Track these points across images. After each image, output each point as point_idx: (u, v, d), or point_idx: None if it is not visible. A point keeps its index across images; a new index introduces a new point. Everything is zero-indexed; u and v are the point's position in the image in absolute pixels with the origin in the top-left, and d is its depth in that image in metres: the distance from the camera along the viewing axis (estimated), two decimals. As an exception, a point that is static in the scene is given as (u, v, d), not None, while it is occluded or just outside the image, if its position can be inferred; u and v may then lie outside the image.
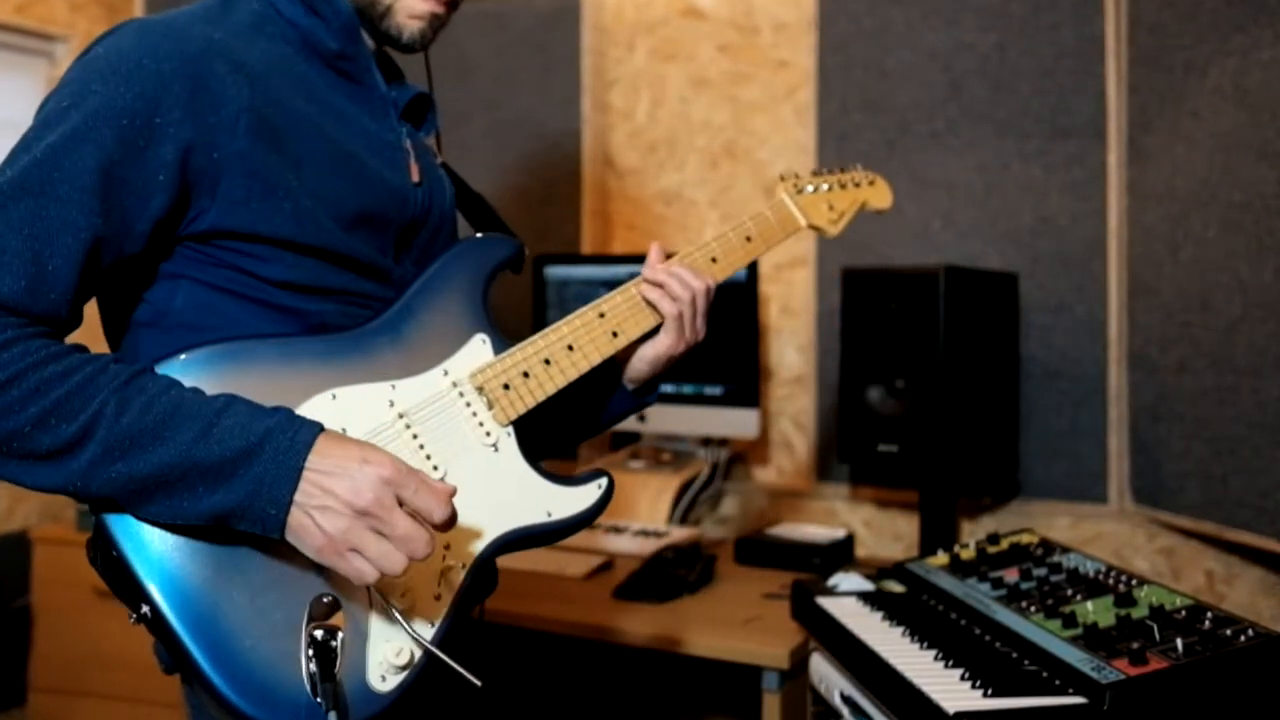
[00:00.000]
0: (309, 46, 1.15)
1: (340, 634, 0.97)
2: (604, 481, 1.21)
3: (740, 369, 2.42)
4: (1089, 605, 1.41)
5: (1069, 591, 1.47)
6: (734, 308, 2.41)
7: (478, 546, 1.12)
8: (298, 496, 0.95)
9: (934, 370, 2.08)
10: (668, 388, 2.48)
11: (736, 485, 2.60)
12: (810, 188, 1.50)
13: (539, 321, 2.56)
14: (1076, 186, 2.28)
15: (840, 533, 2.28)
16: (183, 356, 1.02)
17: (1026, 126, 2.32)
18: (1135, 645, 1.24)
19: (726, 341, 2.42)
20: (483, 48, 2.85)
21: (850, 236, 2.49)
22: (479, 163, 2.83)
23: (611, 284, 2.46)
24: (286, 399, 1.03)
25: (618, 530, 2.34)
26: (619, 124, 2.81)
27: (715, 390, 2.45)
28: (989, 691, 1.24)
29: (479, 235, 1.27)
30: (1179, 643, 1.24)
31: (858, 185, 1.58)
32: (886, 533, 2.49)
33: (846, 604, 1.62)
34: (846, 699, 1.54)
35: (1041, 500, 2.32)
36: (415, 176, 1.21)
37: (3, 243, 0.93)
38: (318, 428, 0.98)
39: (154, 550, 0.97)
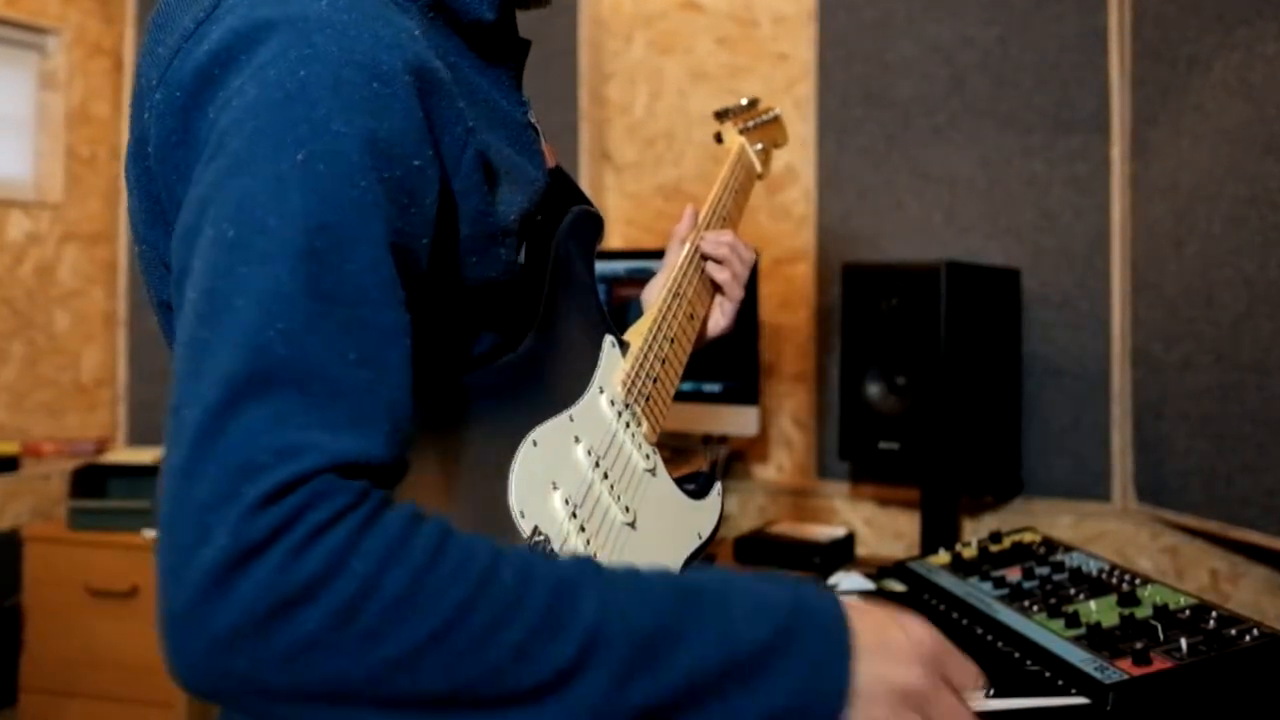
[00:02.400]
0: (442, 9, 0.85)
1: None
2: (719, 486, 1.08)
3: (739, 366, 2.40)
4: (1092, 605, 1.40)
5: (1072, 591, 1.46)
6: (733, 304, 2.39)
7: None
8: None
9: (935, 367, 2.06)
10: (666, 384, 2.46)
11: (736, 483, 2.59)
12: (750, 124, 1.38)
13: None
14: (1079, 181, 2.26)
15: (840, 531, 2.27)
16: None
17: (1029, 120, 2.31)
18: (1139, 645, 1.23)
19: (726, 339, 2.40)
20: (480, 41, 2.83)
21: (851, 231, 2.49)
22: (476, 157, 2.82)
23: (609, 280, 2.47)
24: (498, 455, 0.83)
25: (615, 528, 2.31)
26: (616, 117, 2.79)
27: (714, 387, 2.43)
28: (991, 692, 1.23)
29: (572, 214, 1.05)
30: (1183, 643, 1.23)
31: (768, 121, 1.46)
32: (887, 531, 2.48)
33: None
34: (846, 699, 1.51)
35: (1044, 498, 2.30)
36: (551, 160, 1.00)
37: (337, 387, 0.62)
38: (822, 587, 0.76)
39: None
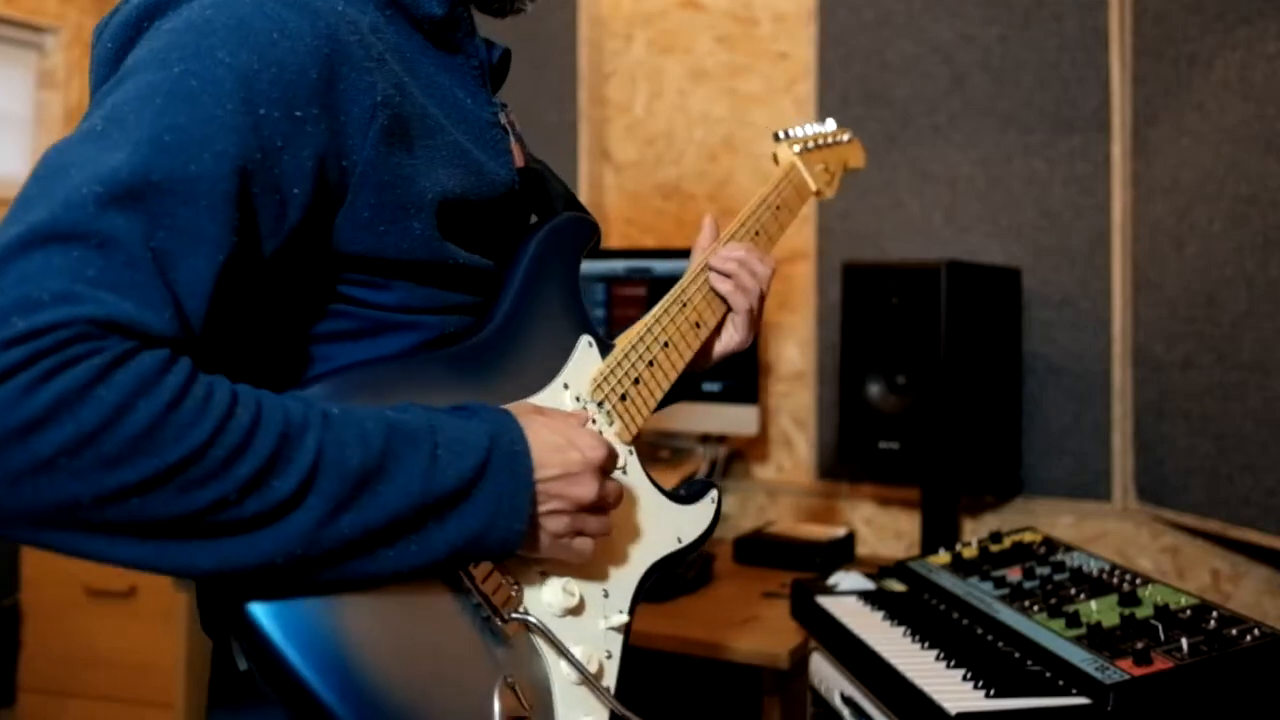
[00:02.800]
0: (396, 7, 0.92)
1: None
2: (715, 494, 1.11)
3: (739, 365, 2.39)
4: (1093, 604, 1.40)
5: (1072, 591, 1.46)
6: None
7: (631, 588, 1.00)
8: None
9: (936, 366, 2.06)
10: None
11: (735, 483, 2.58)
12: (810, 145, 1.40)
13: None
14: (1080, 180, 2.26)
15: (840, 531, 2.27)
16: (318, 387, 0.83)
17: (1029, 119, 2.30)
18: (1140, 645, 1.24)
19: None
20: (479, 40, 2.82)
21: (851, 230, 2.48)
22: (475, 157, 2.82)
23: (609, 279, 2.47)
24: None
25: (615, 528, 2.31)
26: (616, 117, 2.79)
27: (714, 386, 2.43)
28: (991, 692, 1.24)
29: (561, 217, 1.08)
30: (1184, 642, 1.23)
31: (839, 143, 1.48)
32: (887, 531, 2.47)
33: (847, 603, 1.61)
34: (847, 699, 1.52)
35: (1044, 498, 2.30)
36: (520, 160, 1.03)
37: (130, 257, 0.68)
38: (515, 417, 0.86)
39: (330, 656, 0.76)
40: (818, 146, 1.42)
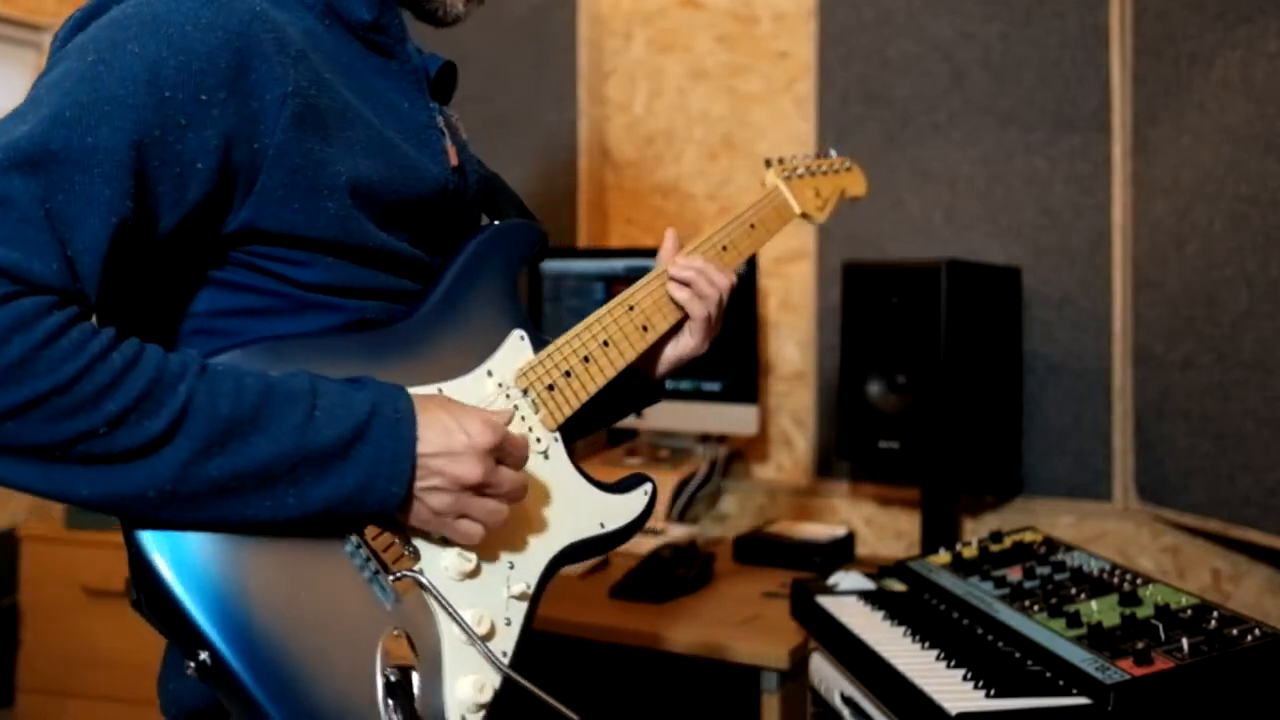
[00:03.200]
0: (333, 15, 1.02)
1: (415, 674, 0.91)
2: (649, 487, 1.16)
3: (739, 364, 2.39)
4: (1093, 604, 1.40)
5: (1073, 590, 1.46)
6: (732, 302, 2.37)
7: (541, 563, 1.05)
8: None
9: (936, 366, 2.05)
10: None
11: (735, 483, 2.58)
12: (800, 172, 1.46)
13: (535, 316, 2.54)
14: (1081, 179, 2.26)
15: (840, 531, 2.26)
16: (223, 358, 0.89)
17: (1030, 118, 2.30)
18: (1140, 645, 1.23)
19: (725, 336, 2.38)
20: (476, 38, 2.82)
21: (851, 230, 2.48)
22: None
23: (609, 278, 2.47)
24: None
25: (614, 528, 2.31)
26: (616, 116, 2.79)
27: (714, 386, 2.42)
28: (991, 692, 1.24)
29: (506, 222, 1.18)
30: (1185, 642, 1.23)
31: (837, 171, 1.54)
32: (887, 531, 2.47)
33: (847, 603, 1.61)
34: (847, 699, 1.52)
35: (1045, 498, 2.30)
36: (454, 160, 1.11)
37: (26, 215, 0.77)
38: (406, 392, 0.93)
39: (210, 587, 0.84)
40: (810, 173, 1.48)
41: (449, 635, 0.95)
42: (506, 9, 2.79)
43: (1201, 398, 1.99)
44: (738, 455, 2.59)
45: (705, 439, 2.53)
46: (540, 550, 1.05)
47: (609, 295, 2.49)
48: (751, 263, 2.37)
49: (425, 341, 1.04)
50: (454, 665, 0.95)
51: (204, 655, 0.83)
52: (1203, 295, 1.98)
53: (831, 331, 2.44)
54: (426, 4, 1.13)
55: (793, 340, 2.58)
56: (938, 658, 1.36)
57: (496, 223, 1.18)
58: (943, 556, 1.69)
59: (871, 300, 2.14)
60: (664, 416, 2.47)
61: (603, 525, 1.12)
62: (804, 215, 1.44)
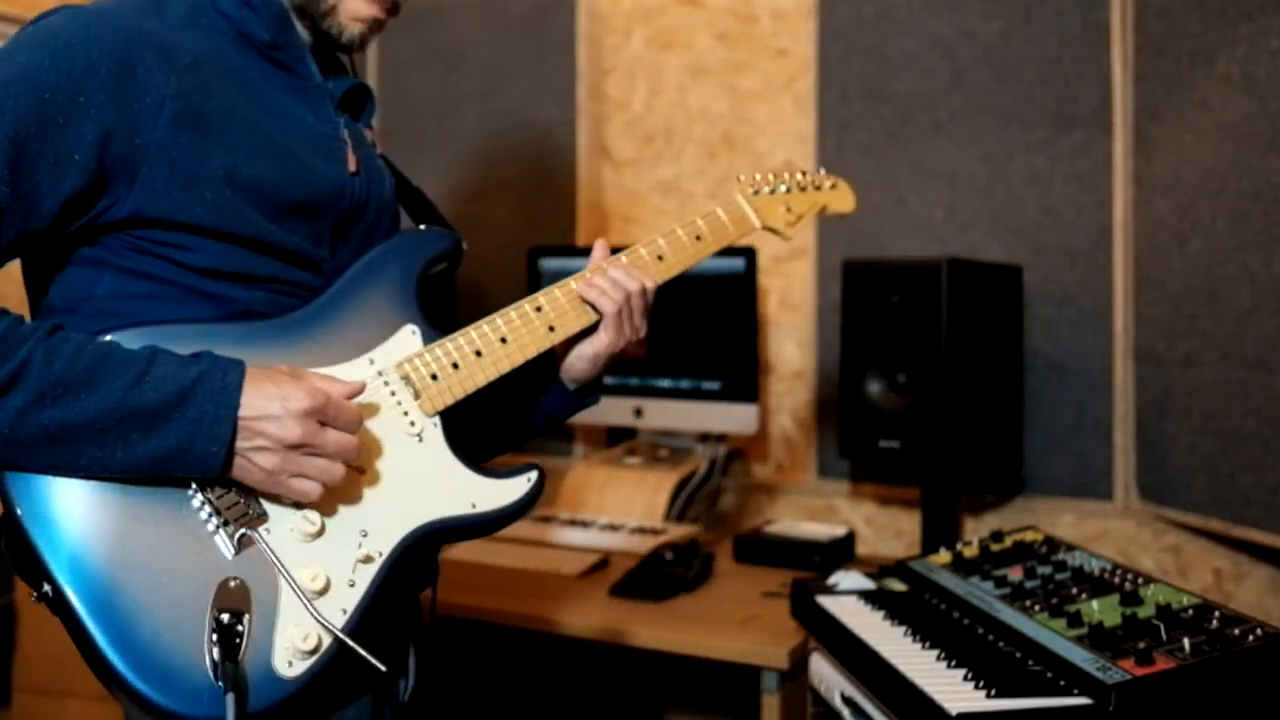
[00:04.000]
0: (243, 38, 1.16)
1: (246, 617, 0.99)
2: (534, 475, 1.21)
3: (739, 363, 2.39)
4: (1094, 604, 1.39)
5: (1074, 590, 1.45)
6: (732, 301, 2.38)
7: (397, 535, 1.11)
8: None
9: (936, 364, 2.05)
10: (664, 382, 2.46)
11: (735, 482, 2.57)
12: (768, 189, 1.50)
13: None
14: (1082, 177, 2.25)
15: (841, 530, 2.26)
16: (110, 337, 1.02)
17: (1031, 116, 2.29)
18: (1141, 645, 1.23)
19: (724, 335, 2.39)
20: (475, 36, 2.82)
21: (851, 228, 2.47)
22: (471, 153, 2.81)
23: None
24: None
25: (614, 528, 2.31)
26: (615, 113, 2.78)
27: (713, 385, 2.42)
28: (992, 692, 1.23)
29: (414, 228, 1.30)
30: (1186, 642, 1.23)
31: (818, 188, 1.57)
32: (888, 530, 2.46)
33: (847, 603, 1.61)
34: (847, 700, 1.52)
35: (1046, 497, 2.29)
36: (352, 166, 1.22)
37: None
38: (242, 365, 1.02)
39: (57, 525, 0.97)
40: (784, 190, 1.51)
41: (286, 588, 1.03)
42: (506, 6, 2.78)
43: (1203, 396, 1.98)
44: (737, 454, 2.59)
45: (705, 438, 2.52)
46: (398, 522, 1.11)
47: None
48: (751, 261, 2.37)
49: (310, 332, 1.14)
50: (287, 615, 1.02)
51: (46, 587, 0.96)
52: (1204, 293, 1.97)
53: (831, 330, 2.43)
54: (322, 27, 1.22)
55: (793, 339, 2.57)
56: (938, 658, 1.36)
57: (408, 229, 1.29)
58: (943, 556, 1.68)
59: (872, 299, 2.14)
60: (663, 416, 2.47)
61: (474, 506, 1.16)
62: (769, 228, 1.49)
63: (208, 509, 1.02)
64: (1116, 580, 1.46)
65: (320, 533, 1.06)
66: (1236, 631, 1.24)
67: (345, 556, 1.07)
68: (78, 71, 1.01)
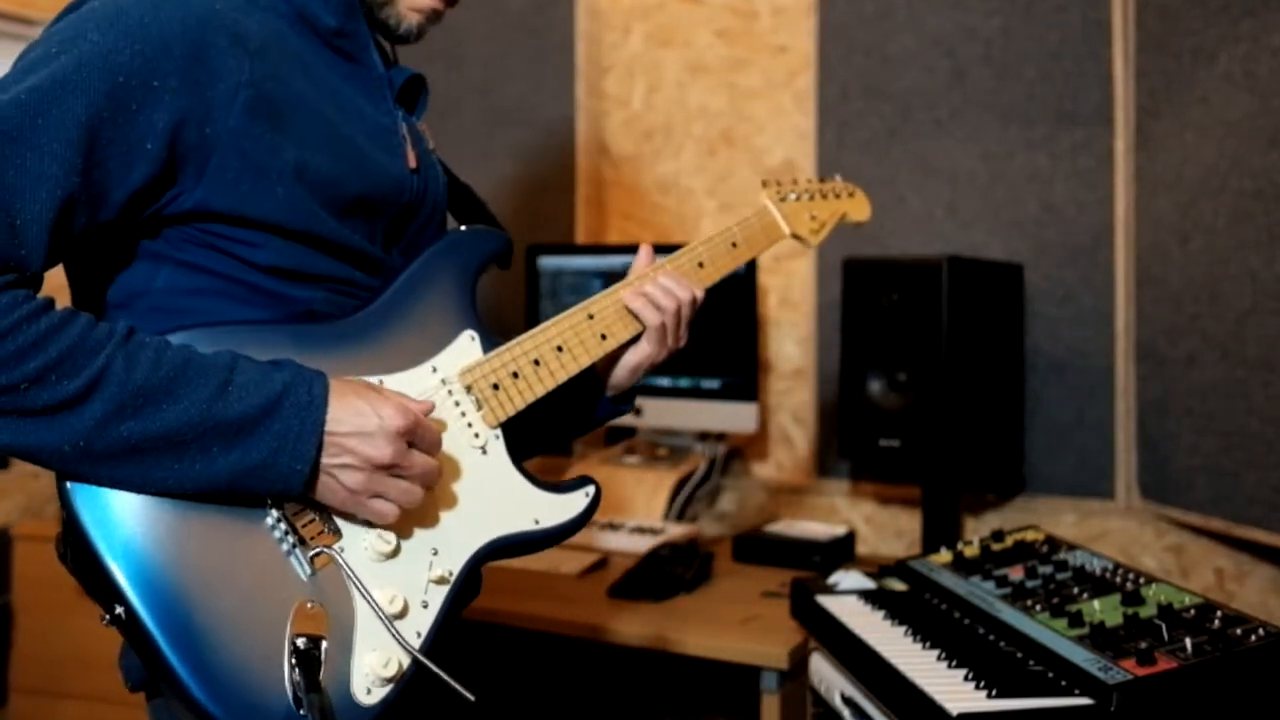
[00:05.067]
0: (303, 21, 1.11)
1: (325, 642, 0.95)
2: (591, 490, 1.19)
3: (738, 362, 2.38)
4: (1095, 604, 1.39)
5: (1075, 590, 1.45)
6: (732, 300, 2.37)
7: (466, 552, 1.09)
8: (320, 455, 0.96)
9: (937, 363, 2.04)
10: (664, 381, 2.45)
11: (734, 481, 2.56)
12: (794, 195, 1.49)
13: (532, 313, 2.52)
14: (1083, 175, 2.24)
15: (841, 530, 2.25)
16: (169, 338, 0.97)
17: (1032, 113, 2.28)
18: (1143, 645, 1.23)
19: (724, 334, 2.38)
20: (474, 33, 2.81)
21: (850, 226, 2.45)
22: (470, 151, 2.80)
23: (607, 275, 2.45)
24: None
25: (613, 527, 2.30)
26: (614, 111, 2.77)
27: (713, 384, 2.41)
28: (993, 692, 1.23)
29: (468, 227, 1.25)
30: (1188, 642, 1.22)
31: (838, 196, 1.57)
32: (888, 529, 2.45)
33: (847, 603, 1.60)
34: (847, 700, 1.51)
35: (1047, 496, 2.28)
36: (412, 163, 1.18)
37: None
38: (325, 377, 0.98)
39: (129, 545, 0.91)
40: (809, 196, 1.51)
41: (363, 610, 0.99)
42: (505, 3, 2.78)
43: (1205, 395, 1.97)
44: (737, 453, 2.58)
45: (704, 437, 2.51)
46: (467, 539, 1.09)
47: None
48: (751, 260, 2.35)
49: (371, 337, 1.10)
50: (365, 639, 0.99)
51: (119, 609, 0.90)
52: (1206, 292, 1.96)
53: (831, 328, 2.43)
54: (379, 15, 1.18)
55: (792, 337, 2.56)
56: (939, 658, 1.35)
57: (461, 228, 1.24)
58: (944, 556, 1.68)
59: (872, 297, 2.13)
60: (662, 414, 2.46)
61: (537, 522, 1.14)
62: (795, 236, 1.48)
63: (283, 526, 0.98)
64: (1118, 580, 1.46)
65: (395, 553, 1.03)
66: (1238, 631, 1.24)
67: (418, 576, 1.04)
68: (151, 53, 0.94)
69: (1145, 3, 2.13)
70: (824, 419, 2.50)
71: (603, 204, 2.78)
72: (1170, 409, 2.07)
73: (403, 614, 1.02)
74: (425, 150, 1.23)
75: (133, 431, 0.89)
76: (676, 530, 2.28)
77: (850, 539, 2.25)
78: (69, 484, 0.92)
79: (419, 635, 1.03)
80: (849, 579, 1.70)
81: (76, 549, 0.93)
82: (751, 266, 2.36)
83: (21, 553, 2.70)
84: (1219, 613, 1.29)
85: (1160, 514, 2.15)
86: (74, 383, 0.87)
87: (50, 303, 0.90)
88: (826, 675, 1.58)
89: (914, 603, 1.57)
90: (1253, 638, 1.22)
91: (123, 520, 0.92)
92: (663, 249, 2.45)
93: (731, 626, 1.81)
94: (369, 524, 1.02)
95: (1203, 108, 1.98)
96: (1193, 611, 1.31)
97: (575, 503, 1.18)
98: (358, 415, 0.97)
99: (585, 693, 2.55)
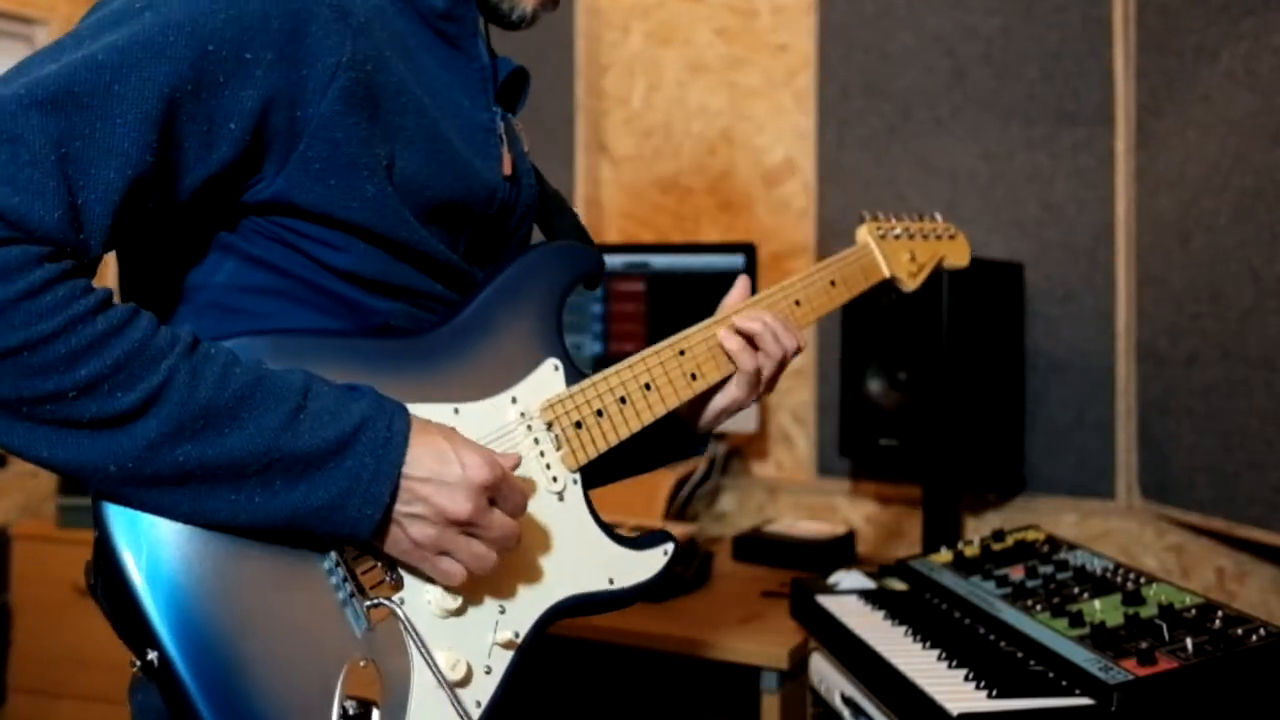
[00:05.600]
0: (411, 1, 0.99)
1: (376, 711, 0.85)
2: (670, 547, 1.09)
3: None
4: (1096, 604, 1.39)
5: (1076, 590, 1.45)
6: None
7: (535, 612, 0.97)
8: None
9: (937, 362, 2.04)
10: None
11: (734, 480, 2.56)
12: (896, 233, 1.39)
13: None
14: (1084, 174, 2.24)
15: (841, 529, 2.25)
16: (230, 344, 0.84)
17: (1032, 112, 2.28)
18: (1144, 645, 1.22)
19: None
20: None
21: (851, 224, 2.45)
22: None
23: (607, 274, 2.43)
24: None
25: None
26: (614, 110, 2.77)
27: (712, 383, 2.40)
28: (994, 692, 1.22)
29: (560, 243, 1.11)
30: (1189, 642, 1.22)
31: (939, 237, 1.46)
32: (888, 529, 2.45)
33: (847, 602, 1.60)
34: (847, 700, 1.50)
35: (1047, 496, 2.28)
36: (507, 169, 1.05)
37: (35, 157, 0.73)
38: (406, 412, 0.87)
39: (170, 581, 0.79)
40: (909, 235, 1.40)
41: (419, 674, 0.89)
42: (504, 2, 2.77)
43: (1206, 395, 1.97)
44: (737, 453, 2.58)
45: (704, 436, 2.50)
46: (537, 598, 0.98)
47: (607, 291, 2.48)
48: (751, 258, 2.35)
49: (449, 356, 0.97)
50: (420, 707, 0.88)
51: (152, 655, 0.79)
52: (1207, 291, 1.96)
53: (832, 327, 2.42)
54: (494, 3, 1.08)
55: (792, 337, 2.55)
56: (939, 658, 1.35)
57: (552, 242, 1.11)
58: (944, 555, 1.68)
59: (872, 296, 2.12)
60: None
61: (611, 581, 1.04)
62: (894, 279, 1.37)
63: (341, 572, 0.87)
64: (1119, 580, 1.45)
65: (460, 610, 0.92)
66: (1239, 631, 1.24)
67: (482, 638, 0.93)
68: (247, 21, 0.82)
69: (1146, 1, 2.13)
70: (824, 418, 2.49)
71: (602, 203, 2.78)
72: (1171, 409, 2.07)
73: (465, 681, 0.91)
74: (521, 154, 1.11)
75: (189, 457, 0.78)
76: (676, 530, 2.27)
77: (850, 539, 2.24)
78: (106, 505, 0.80)
79: (479, 705, 0.91)
80: (849, 579, 1.70)
81: (110, 583, 0.81)
82: (752, 265, 2.35)
83: (19, 552, 2.70)
84: (1220, 613, 1.29)
85: (1161, 514, 2.15)
86: (129, 396, 0.76)
87: (109, 298, 0.78)
88: (826, 675, 1.58)
89: (914, 602, 1.57)
90: (1254, 638, 1.22)
91: (164, 553, 0.80)
92: (666, 248, 2.47)
93: (731, 626, 1.80)
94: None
95: (1204, 106, 1.98)
96: (1193, 611, 1.31)
97: (653, 561, 1.07)
98: (439, 460, 0.86)
99: (585, 693, 2.54)
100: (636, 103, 2.74)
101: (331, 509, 0.82)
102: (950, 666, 1.32)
